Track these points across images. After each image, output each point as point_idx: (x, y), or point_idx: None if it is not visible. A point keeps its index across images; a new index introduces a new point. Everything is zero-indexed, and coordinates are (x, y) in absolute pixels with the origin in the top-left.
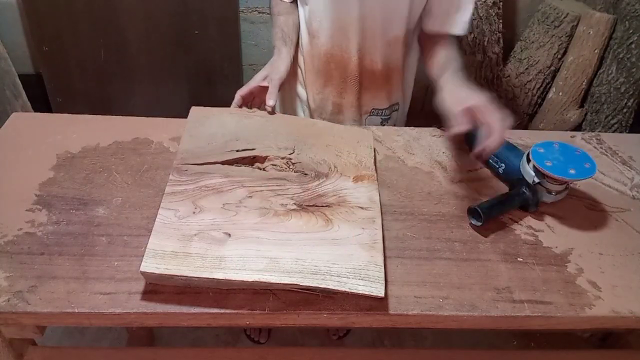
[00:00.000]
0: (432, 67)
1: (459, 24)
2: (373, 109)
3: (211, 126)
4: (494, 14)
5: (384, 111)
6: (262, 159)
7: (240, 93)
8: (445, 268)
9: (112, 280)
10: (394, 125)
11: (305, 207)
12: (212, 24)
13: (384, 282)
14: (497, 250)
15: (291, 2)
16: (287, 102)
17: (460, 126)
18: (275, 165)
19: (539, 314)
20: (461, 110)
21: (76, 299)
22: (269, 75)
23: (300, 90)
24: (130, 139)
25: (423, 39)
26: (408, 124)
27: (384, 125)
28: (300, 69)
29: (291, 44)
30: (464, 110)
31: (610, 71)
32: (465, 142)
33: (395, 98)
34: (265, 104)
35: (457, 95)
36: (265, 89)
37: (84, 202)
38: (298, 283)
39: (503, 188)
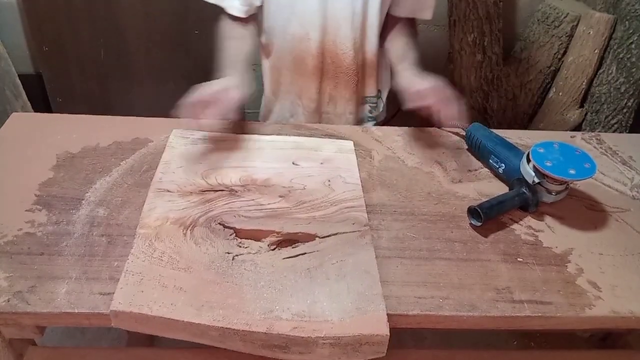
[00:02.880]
0: (392, 51)
1: (427, 9)
2: (365, 97)
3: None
4: (494, 14)
5: (372, 98)
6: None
7: (193, 100)
8: (445, 268)
9: (112, 280)
10: (378, 114)
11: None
12: (212, 24)
13: None
14: (497, 250)
15: (246, 23)
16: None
17: (412, 103)
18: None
19: (539, 314)
20: (414, 91)
21: (76, 299)
22: (229, 88)
23: (286, 98)
24: (130, 139)
25: (386, 23)
26: (408, 124)
27: (372, 113)
28: (275, 80)
29: (243, 72)
30: (416, 92)
31: (610, 71)
32: (465, 142)
33: (380, 84)
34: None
35: (412, 80)
36: (216, 103)
37: (84, 202)
38: None
39: (503, 188)
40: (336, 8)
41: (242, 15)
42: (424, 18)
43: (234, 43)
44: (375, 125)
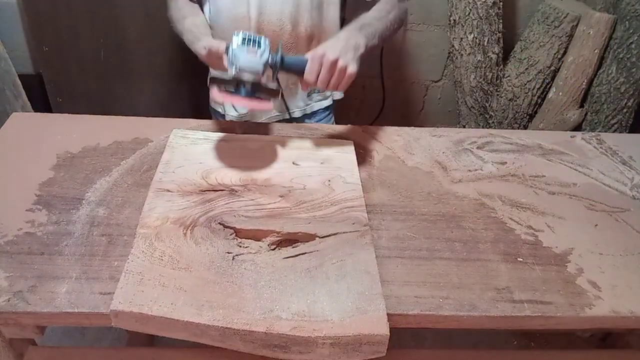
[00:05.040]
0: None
1: None
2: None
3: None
4: (494, 14)
5: None
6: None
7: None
8: (445, 268)
9: (112, 280)
10: (324, 99)
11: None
12: None
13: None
14: (497, 250)
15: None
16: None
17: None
18: None
19: (539, 314)
20: (311, 58)
21: (76, 299)
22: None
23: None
24: (130, 139)
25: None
26: (408, 124)
27: (309, 95)
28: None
29: (210, 34)
30: (313, 58)
31: (610, 71)
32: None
33: None
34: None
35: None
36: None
37: (84, 202)
38: None
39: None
40: None
41: None
42: None
43: (188, 21)
44: (323, 101)
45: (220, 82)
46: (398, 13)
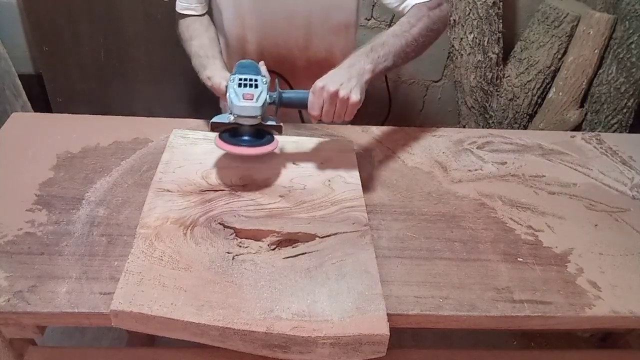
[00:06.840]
0: None
1: None
2: None
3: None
4: (494, 14)
5: None
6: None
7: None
8: (445, 268)
9: (112, 280)
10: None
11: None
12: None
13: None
14: (497, 250)
15: (201, 16)
16: None
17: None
18: None
19: (539, 314)
20: (312, 92)
21: (76, 298)
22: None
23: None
24: (130, 139)
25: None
26: (408, 124)
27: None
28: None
29: (218, 57)
30: (313, 92)
31: (610, 71)
32: None
33: None
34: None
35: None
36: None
37: (84, 202)
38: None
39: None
40: (272, 10)
41: (201, 13)
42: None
43: (195, 43)
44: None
45: (221, 126)
46: (428, 23)
